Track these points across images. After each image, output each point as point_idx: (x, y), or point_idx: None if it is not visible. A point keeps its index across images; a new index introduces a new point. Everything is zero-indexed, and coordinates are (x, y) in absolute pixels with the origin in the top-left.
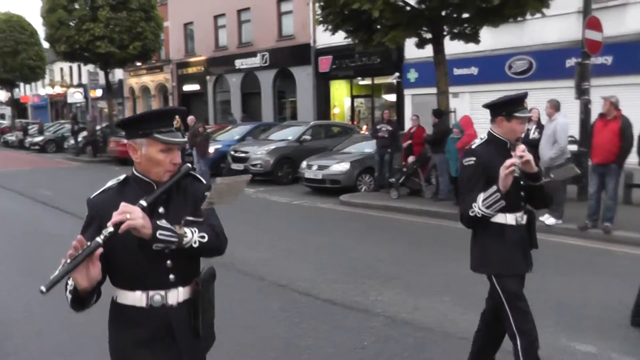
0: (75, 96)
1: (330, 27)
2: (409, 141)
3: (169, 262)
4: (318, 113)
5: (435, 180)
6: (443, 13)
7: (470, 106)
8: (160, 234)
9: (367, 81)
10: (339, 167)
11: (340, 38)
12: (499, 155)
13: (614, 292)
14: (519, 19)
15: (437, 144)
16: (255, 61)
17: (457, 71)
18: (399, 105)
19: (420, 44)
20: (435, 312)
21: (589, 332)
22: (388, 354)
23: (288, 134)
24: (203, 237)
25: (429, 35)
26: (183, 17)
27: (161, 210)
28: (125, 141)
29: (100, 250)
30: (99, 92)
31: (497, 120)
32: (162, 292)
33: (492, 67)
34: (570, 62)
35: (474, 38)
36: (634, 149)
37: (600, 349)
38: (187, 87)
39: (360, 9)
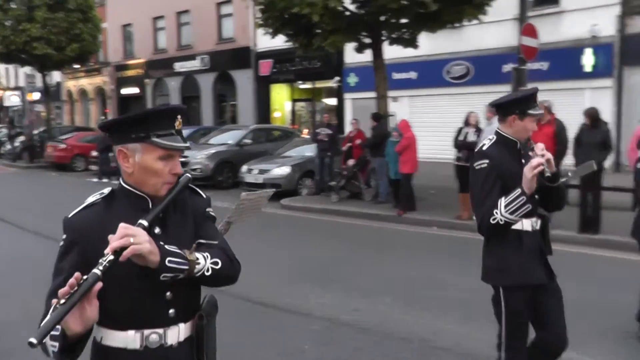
0: (12, 99)
1: (270, 30)
2: (349, 144)
3: (168, 294)
4: (258, 117)
5: (374, 183)
6: (382, 18)
7: (410, 110)
8: (170, 262)
9: (307, 85)
10: (280, 170)
11: (280, 42)
12: (510, 156)
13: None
14: (456, 25)
15: (376, 148)
16: (194, 64)
17: (396, 75)
18: (340, 109)
19: (360, 49)
20: (375, 314)
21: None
22: (329, 357)
23: (228, 138)
24: (216, 263)
25: (368, 40)
26: (121, 19)
27: (157, 231)
28: (62, 146)
29: (100, 285)
30: (36, 95)
31: (509, 119)
32: (160, 331)
33: (430, 72)
34: (507, 67)
35: (412, 43)
36: (569, 151)
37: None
38: (126, 91)
39: (300, 13)
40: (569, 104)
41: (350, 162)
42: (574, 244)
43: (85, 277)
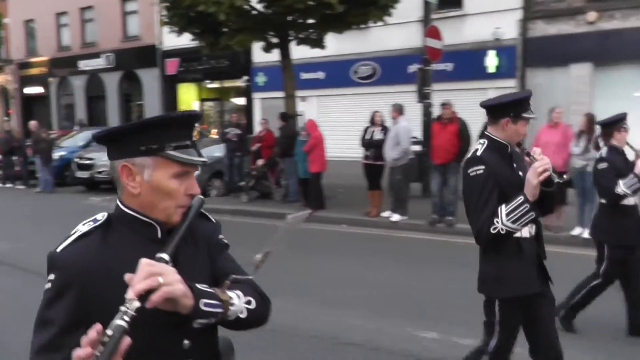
0: None
1: (175, 29)
2: (258, 144)
3: (186, 342)
4: None
5: (284, 183)
6: (289, 18)
7: (318, 109)
8: (206, 304)
9: (215, 84)
10: None
11: (187, 40)
12: (503, 161)
13: (456, 281)
14: (362, 26)
15: (285, 147)
16: (99, 62)
17: (304, 75)
18: (248, 109)
19: (267, 49)
20: (284, 312)
21: (432, 320)
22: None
23: None
24: (249, 302)
25: (275, 40)
26: (24, 14)
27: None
28: None
29: (128, 341)
30: None
31: (502, 122)
32: None
33: (338, 72)
34: (413, 68)
35: (319, 44)
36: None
37: (443, 334)
38: (30, 90)
39: (206, 12)
40: (473, 103)
41: (260, 162)
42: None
43: (108, 330)
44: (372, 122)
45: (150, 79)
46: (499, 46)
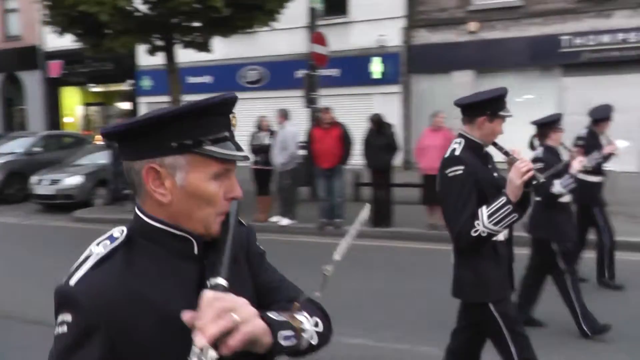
0: None
1: (58, 29)
2: None
3: None
4: (49, 122)
5: None
6: (174, 21)
7: None
8: (284, 338)
9: (100, 88)
10: (72, 180)
11: (70, 41)
12: (480, 161)
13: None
14: (248, 30)
15: None
16: None
17: (191, 79)
18: (134, 114)
19: (152, 51)
20: None
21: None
22: None
23: (17, 146)
24: (317, 324)
25: (160, 43)
26: None
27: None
28: None
29: None
30: None
31: (478, 121)
32: None
33: (225, 76)
34: (300, 73)
35: (205, 47)
36: (358, 152)
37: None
38: None
39: (88, 12)
40: (359, 108)
41: None
42: (371, 237)
43: None
44: (260, 128)
45: (32, 82)
46: (384, 53)
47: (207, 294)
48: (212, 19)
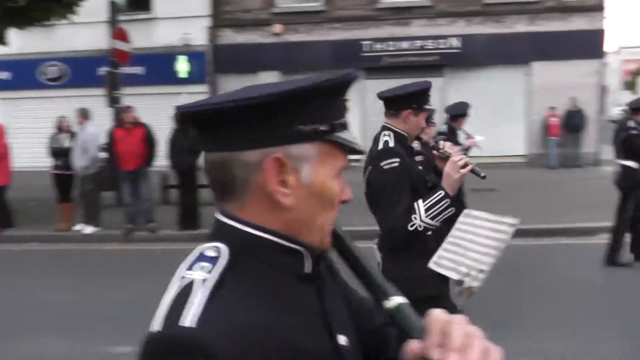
0: None
1: None
2: None
3: None
4: None
5: None
6: None
7: (4, 114)
8: None
9: None
10: None
11: None
12: (407, 154)
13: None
14: (45, 23)
15: None
16: None
17: None
18: None
19: None
20: None
21: (127, 334)
22: None
23: None
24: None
25: None
26: None
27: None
28: None
29: None
30: None
31: (403, 114)
32: None
33: (24, 72)
34: (102, 70)
35: (0, 40)
36: (163, 153)
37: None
38: None
39: None
40: (165, 108)
41: None
42: (177, 241)
43: None
44: (59, 129)
45: None
46: (189, 52)
47: (445, 317)
48: (8, 9)
